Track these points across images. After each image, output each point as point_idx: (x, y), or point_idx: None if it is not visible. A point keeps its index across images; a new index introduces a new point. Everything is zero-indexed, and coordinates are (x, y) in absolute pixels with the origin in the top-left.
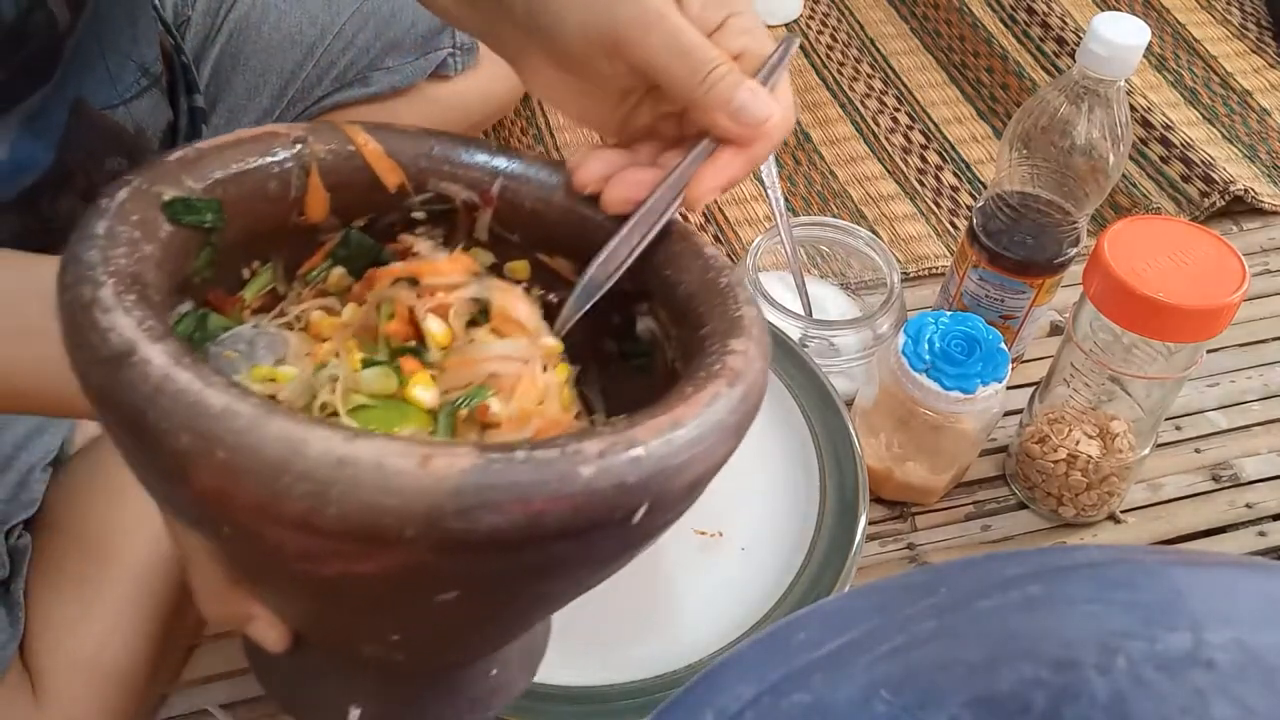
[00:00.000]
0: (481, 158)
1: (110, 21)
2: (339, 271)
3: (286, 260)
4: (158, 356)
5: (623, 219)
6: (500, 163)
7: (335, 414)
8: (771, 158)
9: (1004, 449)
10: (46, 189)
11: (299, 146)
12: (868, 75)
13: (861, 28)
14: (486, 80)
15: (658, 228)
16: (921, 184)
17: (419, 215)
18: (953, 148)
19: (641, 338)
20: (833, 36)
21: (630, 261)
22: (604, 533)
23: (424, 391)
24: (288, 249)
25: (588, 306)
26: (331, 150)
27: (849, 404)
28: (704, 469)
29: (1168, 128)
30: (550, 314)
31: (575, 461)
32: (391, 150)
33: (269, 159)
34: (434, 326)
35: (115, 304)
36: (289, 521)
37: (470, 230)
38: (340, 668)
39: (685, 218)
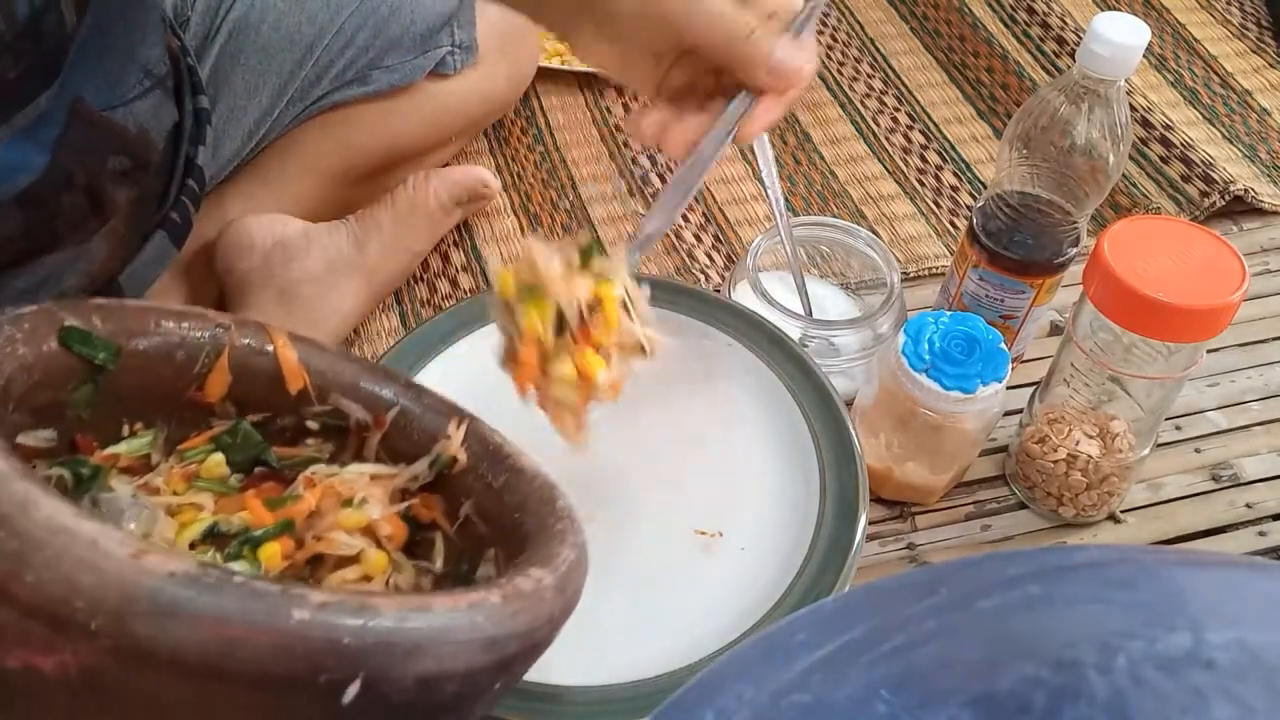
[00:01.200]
0: (387, 389)
1: (112, 23)
2: (217, 458)
3: (170, 431)
4: None
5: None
6: (403, 396)
7: None
8: (771, 158)
9: (1004, 449)
10: (47, 187)
11: (218, 329)
12: (868, 75)
13: (861, 28)
14: (486, 79)
15: (709, 167)
16: (921, 184)
17: (313, 425)
18: (953, 148)
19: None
20: (833, 36)
21: (687, 201)
22: (305, 698)
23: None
24: (175, 421)
25: (653, 243)
26: (248, 342)
27: (849, 404)
28: (439, 668)
29: (1168, 128)
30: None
31: (293, 602)
32: (304, 358)
33: (187, 329)
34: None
35: None
36: None
37: (359, 450)
38: None
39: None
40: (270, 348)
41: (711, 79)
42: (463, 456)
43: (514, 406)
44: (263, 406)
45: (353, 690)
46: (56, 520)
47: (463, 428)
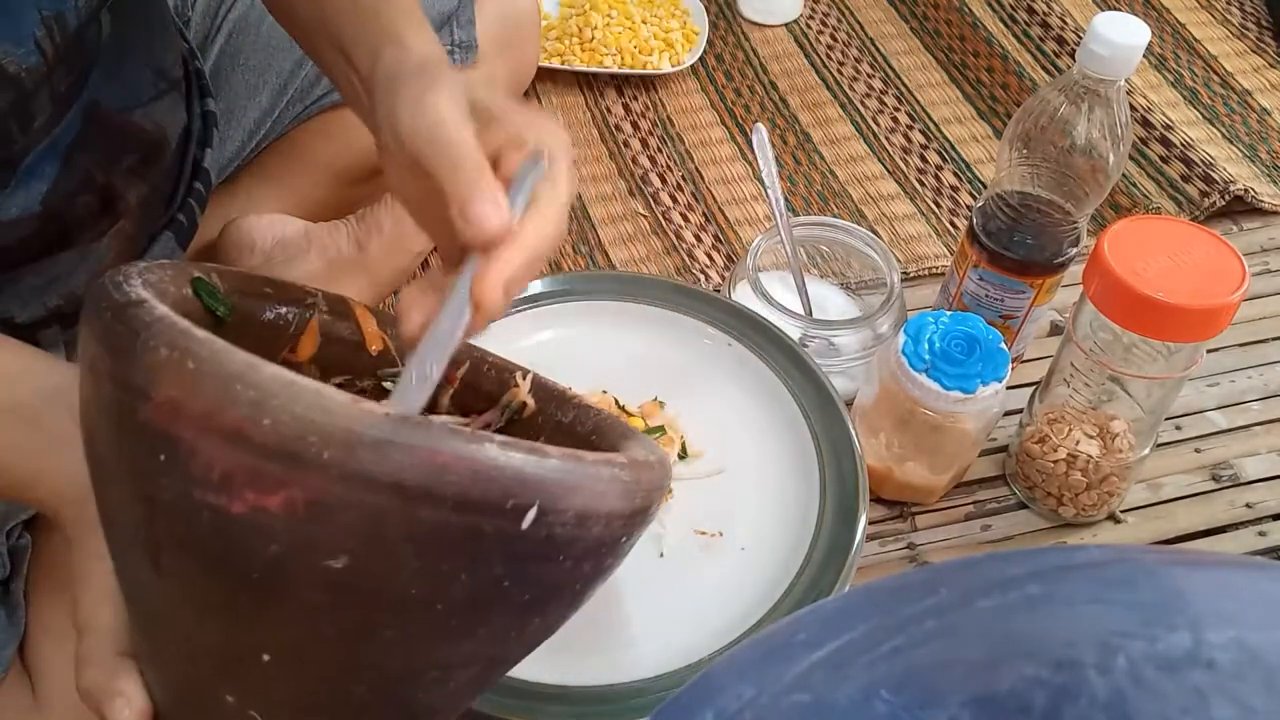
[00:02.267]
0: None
1: (131, 28)
2: None
3: None
4: (160, 308)
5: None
6: (468, 355)
7: None
8: (771, 158)
9: (1004, 449)
10: (64, 190)
11: (308, 297)
12: (868, 75)
13: (861, 28)
14: (486, 78)
15: (451, 346)
16: (921, 184)
17: (388, 386)
18: (953, 148)
19: None
20: (833, 36)
21: (432, 383)
22: (496, 521)
23: None
24: None
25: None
26: (334, 310)
27: (849, 404)
28: (590, 506)
29: (1168, 128)
30: None
31: (484, 440)
32: (382, 325)
33: (284, 294)
34: None
35: (137, 279)
36: (226, 430)
37: (433, 406)
38: None
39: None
40: (352, 316)
41: None
42: (531, 402)
43: None
44: (344, 369)
45: (531, 515)
46: (283, 376)
47: (528, 378)
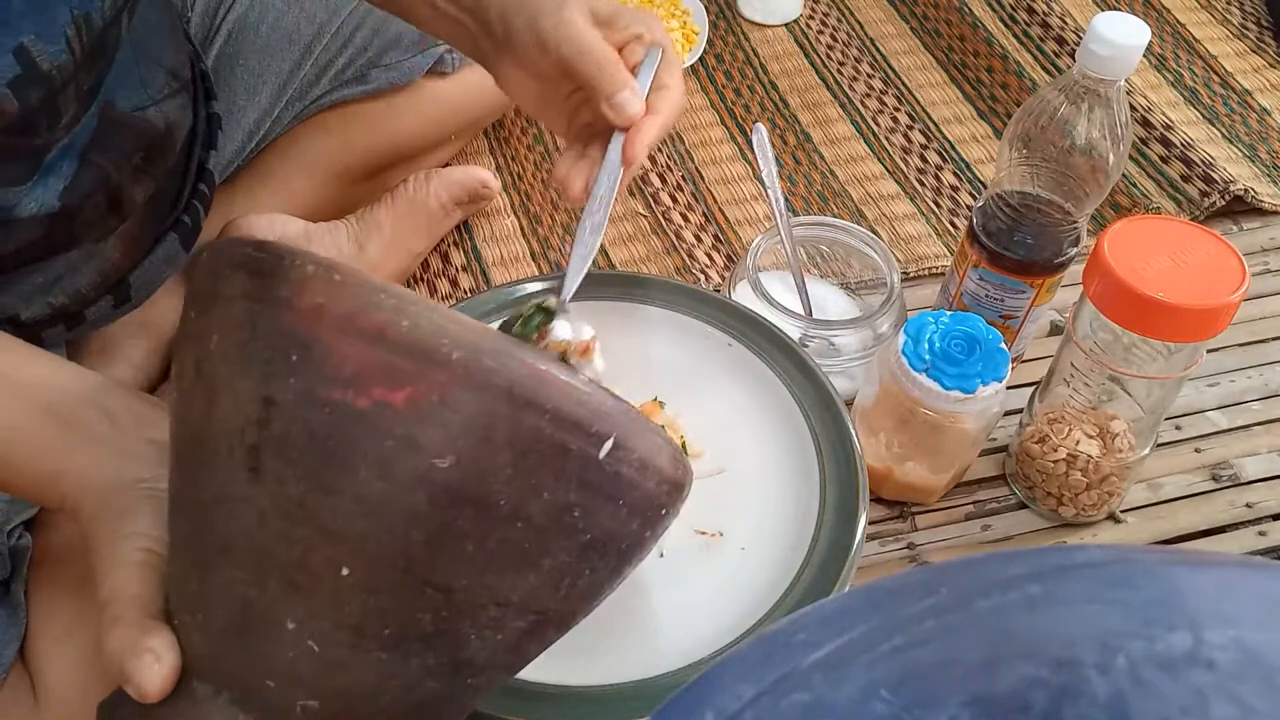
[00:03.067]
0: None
1: (145, 29)
2: None
3: None
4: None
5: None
6: None
7: None
8: (772, 158)
9: (1004, 449)
10: (79, 190)
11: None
12: (868, 75)
13: (861, 27)
14: (485, 77)
15: (610, 200)
16: (921, 184)
17: None
18: (953, 147)
19: None
20: (833, 36)
21: (598, 239)
22: (579, 441)
23: None
24: None
25: (585, 272)
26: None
27: (849, 404)
28: (651, 458)
29: (1168, 128)
30: None
31: (580, 371)
32: None
33: None
34: None
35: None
36: (367, 330)
37: None
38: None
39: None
40: None
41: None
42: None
43: None
44: None
45: (608, 446)
46: (418, 295)
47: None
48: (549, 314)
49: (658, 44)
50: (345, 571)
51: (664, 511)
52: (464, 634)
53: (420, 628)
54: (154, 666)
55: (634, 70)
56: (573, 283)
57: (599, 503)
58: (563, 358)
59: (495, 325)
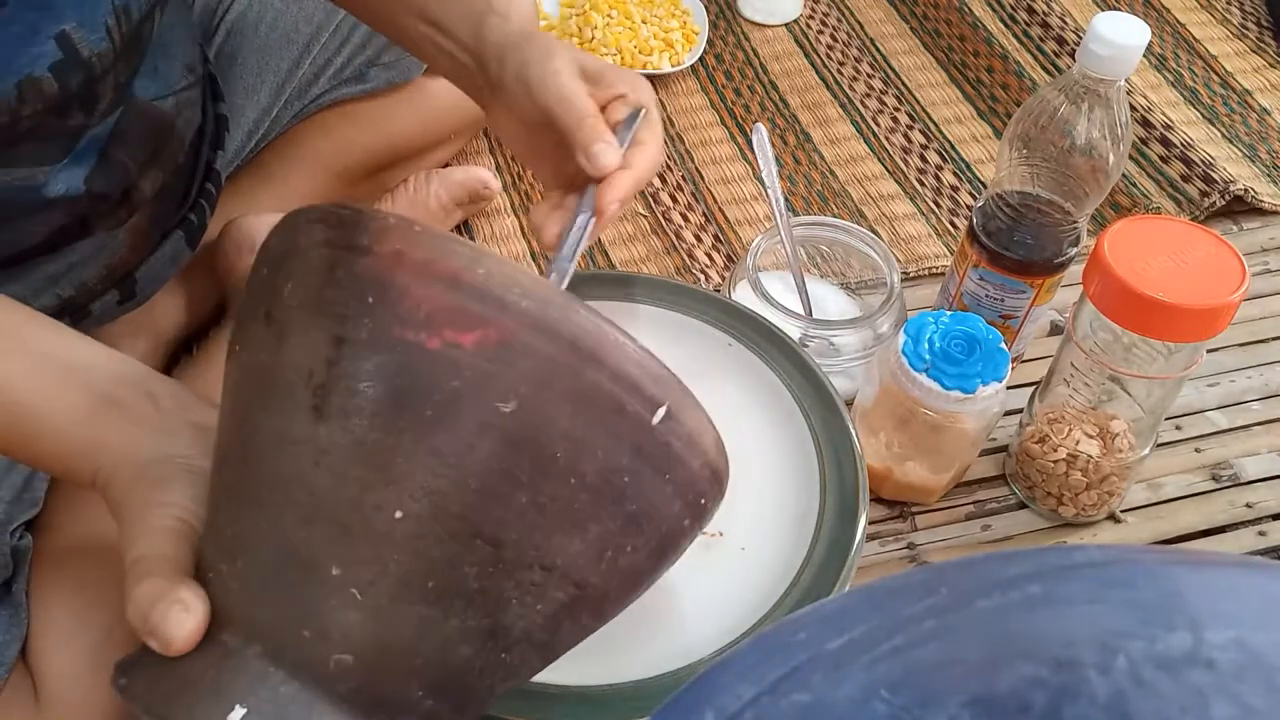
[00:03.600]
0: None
1: (167, 24)
2: None
3: None
4: None
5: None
6: None
7: None
8: (772, 158)
9: (1004, 449)
10: (101, 175)
11: None
12: (868, 75)
13: (861, 27)
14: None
15: (582, 248)
16: (921, 184)
17: None
18: (953, 147)
19: None
20: (833, 36)
21: (568, 276)
22: (636, 403)
23: None
24: None
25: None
26: None
27: (849, 404)
28: (699, 435)
29: (1168, 127)
30: None
31: (634, 339)
32: None
33: None
34: None
35: None
36: (442, 275)
37: None
38: (229, 672)
39: None
40: None
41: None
42: None
43: None
44: None
45: (661, 412)
46: (485, 248)
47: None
48: None
49: (641, 105)
50: (399, 515)
51: (704, 501)
52: (506, 596)
53: (464, 584)
54: (182, 615)
55: (615, 127)
56: None
57: (648, 473)
58: None
59: None
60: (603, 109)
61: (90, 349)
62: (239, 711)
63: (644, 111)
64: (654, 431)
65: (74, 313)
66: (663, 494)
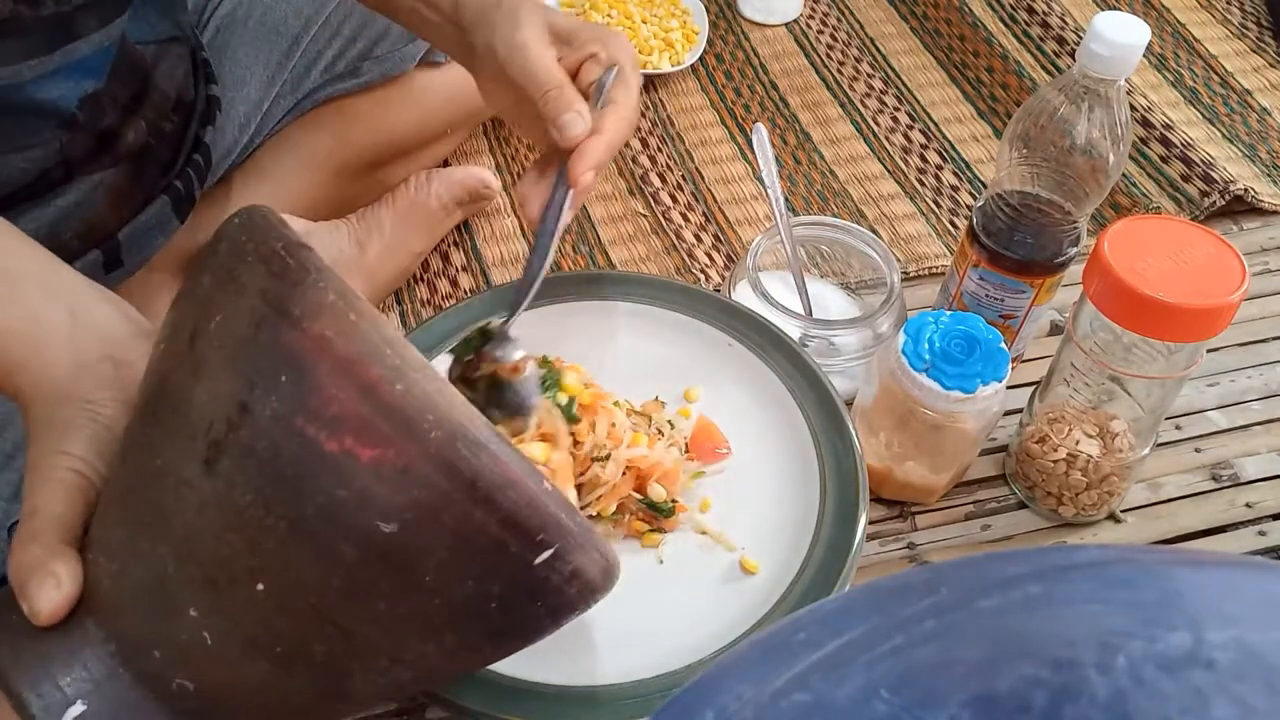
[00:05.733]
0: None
1: None
2: None
3: None
4: (326, 264)
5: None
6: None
7: None
8: (772, 157)
9: (1004, 449)
10: (92, 106)
11: None
12: (868, 75)
13: (861, 27)
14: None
15: (564, 221)
16: (921, 184)
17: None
18: (953, 147)
19: None
20: (833, 36)
21: (550, 256)
22: (522, 546)
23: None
24: None
25: (533, 294)
26: None
27: (849, 404)
28: (584, 570)
29: (1168, 127)
30: None
31: (545, 479)
32: None
33: None
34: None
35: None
36: (360, 380)
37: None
38: (85, 661)
39: None
40: None
41: None
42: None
43: None
44: None
45: (546, 555)
46: (421, 360)
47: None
48: (487, 336)
49: (615, 62)
50: (260, 587)
51: (575, 611)
52: (351, 671)
53: (312, 656)
54: (52, 591)
55: (589, 89)
56: (519, 305)
57: (519, 600)
58: (495, 375)
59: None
60: (577, 71)
61: (27, 252)
62: (79, 708)
63: (615, 70)
64: (533, 569)
65: None
66: (532, 615)
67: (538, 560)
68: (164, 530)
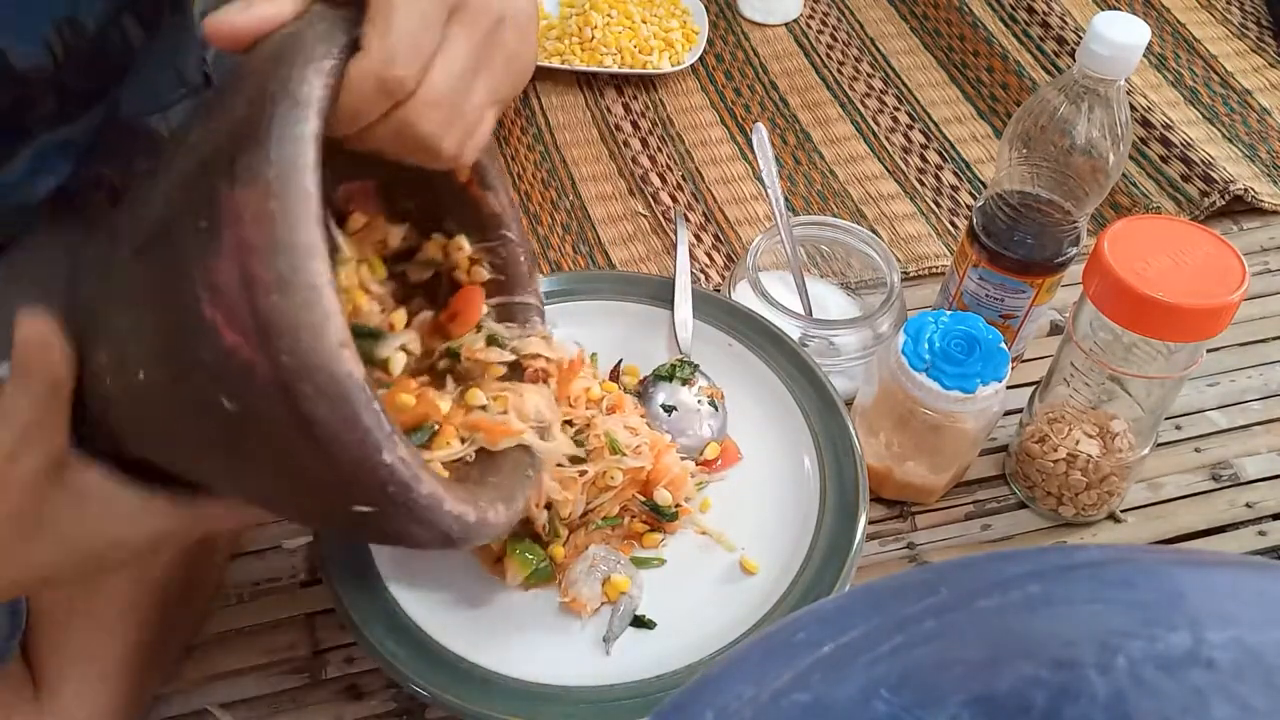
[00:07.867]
0: None
1: (160, 35)
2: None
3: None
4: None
5: None
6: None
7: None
8: (771, 157)
9: (1004, 448)
10: (75, 192)
11: None
12: (868, 75)
13: (861, 27)
14: None
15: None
16: (921, 184)
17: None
18: (953, 147)
19: None
20: (833, 36)
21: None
22: (345, 498)
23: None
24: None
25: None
26: None
27: (849, 404)
28: (421, 542)
29: (1168, 127)
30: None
31: (387, 441)
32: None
33: None
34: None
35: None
36: (245, 272)
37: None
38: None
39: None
40: None
41: None
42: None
43: None
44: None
45: (367, 510)
46: (318, 282)
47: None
48: (694, 367)
49: None
50: (140, 376)
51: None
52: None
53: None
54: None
55: None
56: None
57: (352, 516)
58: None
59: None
60: None
61: None
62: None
63: None
64: (354, 514)
65: None
66: (367, 522)
67: (360, 511)
68: (113, 291)
